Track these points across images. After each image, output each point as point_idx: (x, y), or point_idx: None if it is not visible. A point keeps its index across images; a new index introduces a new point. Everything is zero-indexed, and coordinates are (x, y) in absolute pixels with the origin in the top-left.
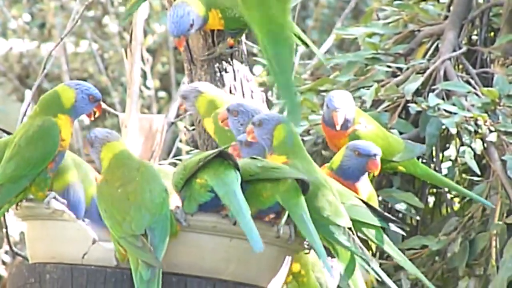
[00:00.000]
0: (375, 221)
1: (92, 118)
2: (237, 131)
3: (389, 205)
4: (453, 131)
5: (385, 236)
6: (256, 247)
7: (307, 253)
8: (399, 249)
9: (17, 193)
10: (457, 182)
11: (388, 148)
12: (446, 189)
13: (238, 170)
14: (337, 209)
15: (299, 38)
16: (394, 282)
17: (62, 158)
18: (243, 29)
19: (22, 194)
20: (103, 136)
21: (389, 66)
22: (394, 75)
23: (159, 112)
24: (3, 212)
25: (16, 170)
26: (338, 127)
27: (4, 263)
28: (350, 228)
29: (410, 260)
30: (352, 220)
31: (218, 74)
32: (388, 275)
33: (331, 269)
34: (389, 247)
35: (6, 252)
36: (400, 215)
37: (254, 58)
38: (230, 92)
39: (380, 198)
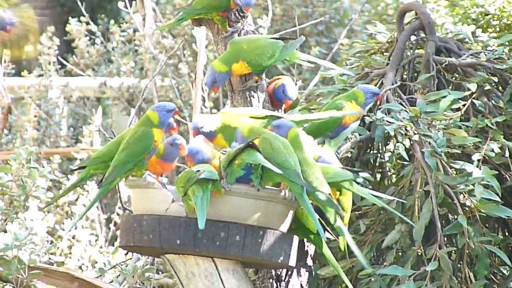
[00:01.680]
0: (350, 176)
1: (175, 121)
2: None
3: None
4: (392, 133)
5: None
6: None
7: (302, 209)
8: (358, 206)
9: (125, 172)
10: (394, 166)
11: None
12: (388, 169)
13: (260, 153)
14: (321, 181)
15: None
16: (355, 227)
17: (154, 152)
18: (263, 70)
19: (128, 172)
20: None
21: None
22: None
23: None
24: (116, 183)
25: (126, 157)
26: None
27: (118, 214)
28: (329, 193)
29: (365, 213)
30: (335, 182)
31: (249, 99)
32: (352, 222)
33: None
34: (361, 192)
35: (119, 208)
36: (359, 184)
37: None
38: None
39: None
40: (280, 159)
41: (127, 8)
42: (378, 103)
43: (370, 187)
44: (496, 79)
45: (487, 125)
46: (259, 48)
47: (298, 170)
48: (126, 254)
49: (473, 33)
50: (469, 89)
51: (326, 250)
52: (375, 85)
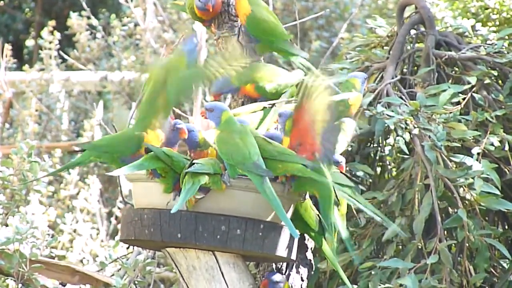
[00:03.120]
0: (348, 182)
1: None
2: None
3: (353, 172)
4: (392, 127)
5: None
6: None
7: (302, 202)
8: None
9: (103, 160)
10: (394, 160)
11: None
12: (388, 163)
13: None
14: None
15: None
16: (355, 221)
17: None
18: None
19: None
20: (223, 107)
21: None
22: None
23: None
24: (79, 162)
25: (105, 146)
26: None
27: (119, 208)
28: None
29: None
30: (336, 183)
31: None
32: (352, 216)
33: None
34: (358, 199)
35: (120, 201)
36: (360, 179)
37: None
38: None
39: (347, 168)
40: (238, 156)
41: (127, 2)
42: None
43: (371, 180)
44: (495, 73)
45: (486, 118)
46: (267, 73)
47: (255, 159)
48: (127, 248)
49: (473, 27)
50: (469, 83)
51: (325, 246)
52: (375, 79)
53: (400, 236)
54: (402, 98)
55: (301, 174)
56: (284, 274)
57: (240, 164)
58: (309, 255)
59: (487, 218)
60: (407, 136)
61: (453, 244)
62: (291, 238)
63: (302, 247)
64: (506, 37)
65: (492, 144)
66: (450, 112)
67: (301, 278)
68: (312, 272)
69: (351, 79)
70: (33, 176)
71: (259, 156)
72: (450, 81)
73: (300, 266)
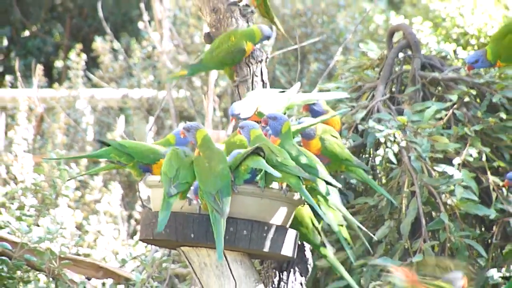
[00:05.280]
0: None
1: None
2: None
3: (347, 180)
4: (382, 140)
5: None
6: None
7: (303, 206)
8: (352, 204)
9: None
10: (384, 169)
11: (342, 152)
12: (378, 172)
13: (264, 158)
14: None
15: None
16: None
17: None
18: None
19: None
20: (196, 125)
21: (347, 105)
22: (351, 109)
23: (222, 129)
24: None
25: (128, 147)
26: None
27: (138, 211)
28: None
29: (358, 211)
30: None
31: (236, 92)
32: (347, 219)
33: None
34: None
35: (139, 205)
36: (353, 185)
37: None
38: None
39: (342, 176)
40: (278, 159)
41: (146, 28)
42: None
43: (363, 187)
44: (474, 92)
45: (466, 133)
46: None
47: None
48: (146, 246)
49: (454, 51)
50: (450, 101)
51: (326, 253)
52: (367, 97)
53: (388, 237)
54: (391, 114)
55: (295, 188)
56: (285, 270)
57: (281, 167)
58: (308, 254)
59: (466, 221)
60: (395, 148)
61: (436, 244)
62: (292, 238)
63: (301, 247)
64: None
65: (471, 156)
66: (434, 127)
67: (300, 273)
68: (311, 269)
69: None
70: (62, 182)
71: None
72: (433, 99)
73: (300, 263)
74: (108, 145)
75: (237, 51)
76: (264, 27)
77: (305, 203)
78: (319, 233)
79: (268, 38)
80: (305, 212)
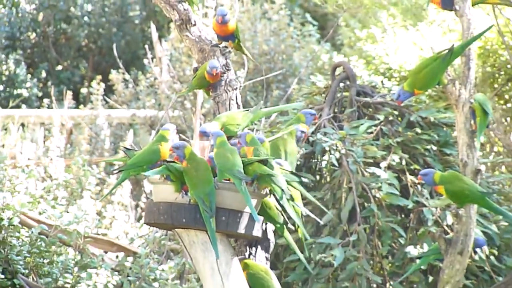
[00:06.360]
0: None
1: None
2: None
3: (301, 179)
4: (327, 149)
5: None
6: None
7: (269, 197)
8: (304, 197)
9: (137, 172)
10: (328, 170)
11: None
12: (324, 173)
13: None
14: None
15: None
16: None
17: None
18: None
19: (138, 170)
20: (183, 144)
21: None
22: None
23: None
24: (124, 178)
25: (136, 163)
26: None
27: (143, 201)
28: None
29: (309, 202)
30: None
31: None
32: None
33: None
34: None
35: (144, 197)
36: (306, 183)
37: None
38: None
39: None
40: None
41: (150, 63)
42: (316, 122)
43: (313, 184)
44: (396, 112)
45: (390, 143)
46: (232, 120)
47: (237, 168)
48: (149, 228)
49: (382, 81)
50: (378, 119)
51: (286, 233)
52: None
53: (332, 221)
54: (334, 129)
55: (261, 171)
56: (254, 246)
57: (229, 170)
58: (270, 234)
59: (390, 210)
60: (337, 154)
61: (367, 227)
62: (259, 222)
63: (265, 230)
64: None
65: (394, 161)
66: (366, 139)
67: (266, 249)
68: (273, 246)
69: (299, 115)
70: (86, 179)
71: (241, 167)
72: (366, 118)
73: (265, 241)
74: (129, 151)
75: (202, 78)
76: (211, 61)
77: (270, 195)
78: (282, 215)
79: (214, 68)
80: (272, 201)
